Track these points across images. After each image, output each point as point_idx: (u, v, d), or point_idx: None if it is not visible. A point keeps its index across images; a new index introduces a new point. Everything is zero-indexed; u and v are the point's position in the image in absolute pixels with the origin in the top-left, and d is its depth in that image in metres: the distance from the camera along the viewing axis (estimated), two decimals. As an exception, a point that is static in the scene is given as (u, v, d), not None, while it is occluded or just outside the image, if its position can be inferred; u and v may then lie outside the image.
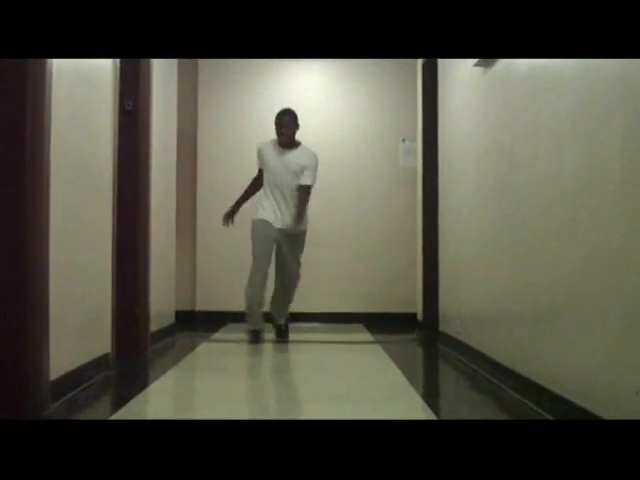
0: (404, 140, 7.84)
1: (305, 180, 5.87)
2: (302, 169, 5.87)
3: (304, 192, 5.90)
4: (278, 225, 5.89)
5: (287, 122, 5.90)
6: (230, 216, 6.10)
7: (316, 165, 5.93)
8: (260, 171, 6.08)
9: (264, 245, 5.89)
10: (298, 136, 6.00)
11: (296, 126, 5.96)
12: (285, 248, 5.95)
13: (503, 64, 4.13)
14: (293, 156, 5.90)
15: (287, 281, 6.06)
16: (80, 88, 3.88)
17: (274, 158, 5.94)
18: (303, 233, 6.02)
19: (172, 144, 6.80)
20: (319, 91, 7.96)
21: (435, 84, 6.46)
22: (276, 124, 5.94)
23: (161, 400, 3.90)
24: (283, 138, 5.91)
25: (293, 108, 6.05)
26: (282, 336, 6.03)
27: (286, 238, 5.92)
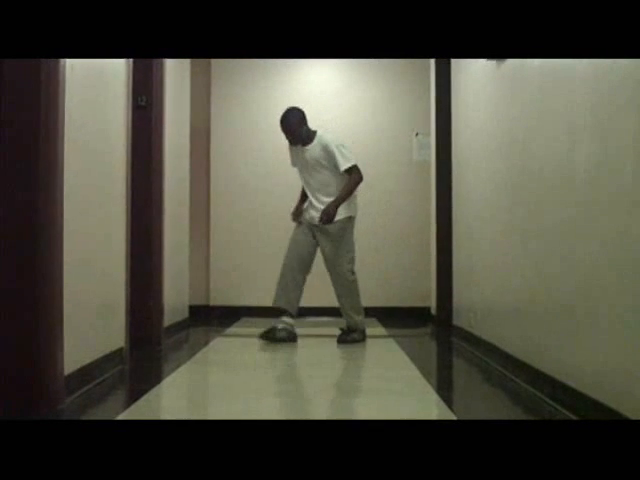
0: (417, 134, 7.84)
1: (340, 167, 5.65)
2: (320, 162, 5.69)
3: (351, 176, 5.67)
4: (312, 221, 5.77)
5: (287, 128, 5.72)
6: (296, 216, 5.90)
7: (336, 147, 5.66)
8: None
9: (293, 240, 5.84)
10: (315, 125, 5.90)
11: (300, 124, 5.73)
12: (322, 244, 5.77)
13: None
14: (310, 152, 5.74)
15: (334, 282, 5.80)
16: (93, 83, 3.88)
17: (296, 157, 5.85)
18: (335, 225, 5.70)
19: (185, 140, 6.80)
20: (332, 86, 7.96)
21: (448, 78, 6.45)
22: (282, 131, 5.79)
23: (175, 395, 3.91)
24: (293, 141, 5.77)
25: (295, 106, 5.84)
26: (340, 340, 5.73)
27: (320, 233, 5.75)
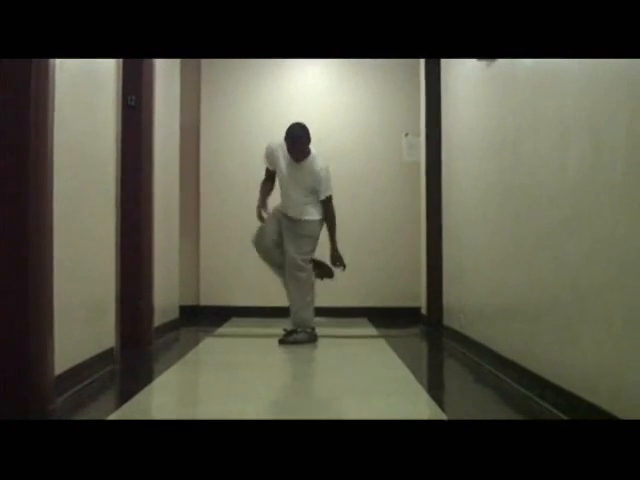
0: (407, 134, 7.83)
1: (321, 195, 5.65)
2: (312, 187, 5.64)
3: (326, 206, 5.69)
4: (284, 211, 5.77)
5: (301, 147, 5.59)
6: (260, 214, 5.81)
7: (327, 177, 5.65)
8: (268, 171, 5.82)
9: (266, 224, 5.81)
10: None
11: (308, 141, 5.62)
12: (286, 233, 5.75)
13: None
14: (303, 171, 5.64)
15: (287, 270, 5.74)
16: (83, 83, 3.87)
17: (285, 168, 5.69)
18: (307, 223, 5.73)
19: (175, 139, 6.79)
20: (322, 85, 7.96)
21: (438, 78, 6.45)
22: (286, 140, 5.60)
23: (166, 395, 3.90)
24: (293, 155, 5.62)
25: (303, 122, 5.68)
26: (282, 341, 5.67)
27: (289, 222, 5.75)
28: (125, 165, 4.84)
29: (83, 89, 3.88)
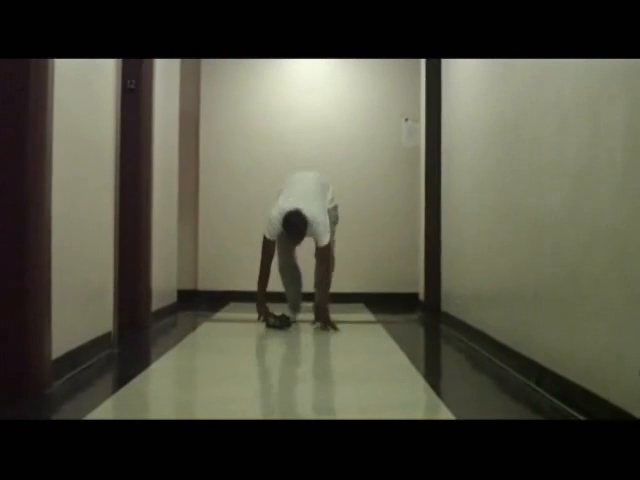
0: (407, 120, 7.82)
1: (319, 243, 5.59)
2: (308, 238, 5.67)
3: (322, 254, 5.66)
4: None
5: (301, 235, 5.55)
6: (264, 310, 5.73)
7: (323, 228, 5.54)
8: (267, 242, 5.65)
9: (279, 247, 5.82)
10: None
11: (305, 229, 5.51)
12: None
13: (507, 43, 4.11)
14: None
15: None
16: (83, 66, 3.85)
17: (286, 242, 5.72)
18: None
19: (174, 123, 6.77)
20: (321, 69, 7.93)
21: (438, 63, 6.44)
22: (288, 232, 5.52)
23: (163, 379, 3.91)
24: (293, 241, 5.66)
25: (301, 217, 5.45)
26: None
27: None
28: (124, 149, 4.83)
29: (83, 72, 3.86)
